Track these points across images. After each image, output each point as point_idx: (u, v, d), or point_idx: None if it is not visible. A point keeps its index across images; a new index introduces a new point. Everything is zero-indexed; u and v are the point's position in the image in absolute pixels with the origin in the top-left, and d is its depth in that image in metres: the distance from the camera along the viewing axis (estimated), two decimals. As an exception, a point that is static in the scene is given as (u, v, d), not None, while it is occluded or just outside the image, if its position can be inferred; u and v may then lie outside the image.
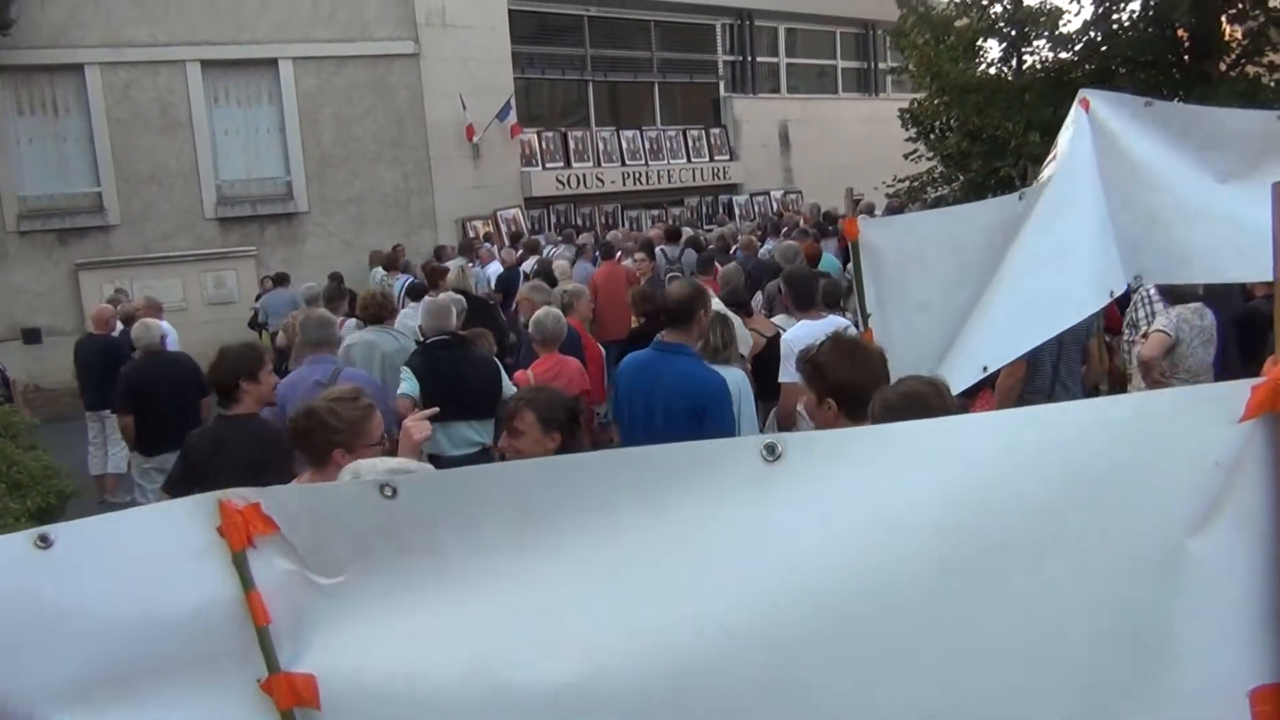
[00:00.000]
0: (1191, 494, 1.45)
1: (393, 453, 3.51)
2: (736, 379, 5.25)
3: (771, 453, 1.50)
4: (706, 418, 4.54)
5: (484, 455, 5.75)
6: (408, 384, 5.85)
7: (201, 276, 15.64)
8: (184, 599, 1.75)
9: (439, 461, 5.67)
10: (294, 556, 1.74)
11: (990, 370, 4.22)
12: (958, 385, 4.15)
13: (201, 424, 6.22)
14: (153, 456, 7.34)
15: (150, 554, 1.76)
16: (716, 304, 6.84)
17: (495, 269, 13.19)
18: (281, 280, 13.57)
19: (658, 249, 12.40)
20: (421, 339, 6.53)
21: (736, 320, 6.75)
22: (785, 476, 1.50)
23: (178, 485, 4.59)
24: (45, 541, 1.73)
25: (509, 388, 5.92)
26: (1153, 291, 6.26)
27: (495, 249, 15.31)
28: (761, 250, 11.98)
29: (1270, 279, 1.64)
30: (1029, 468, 1.44)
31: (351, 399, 3.58)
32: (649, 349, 4.84)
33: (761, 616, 1.50)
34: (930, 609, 1.46)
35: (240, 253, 15.99)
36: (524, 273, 11.78)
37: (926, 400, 2.74)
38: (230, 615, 1.75)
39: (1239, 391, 1.44)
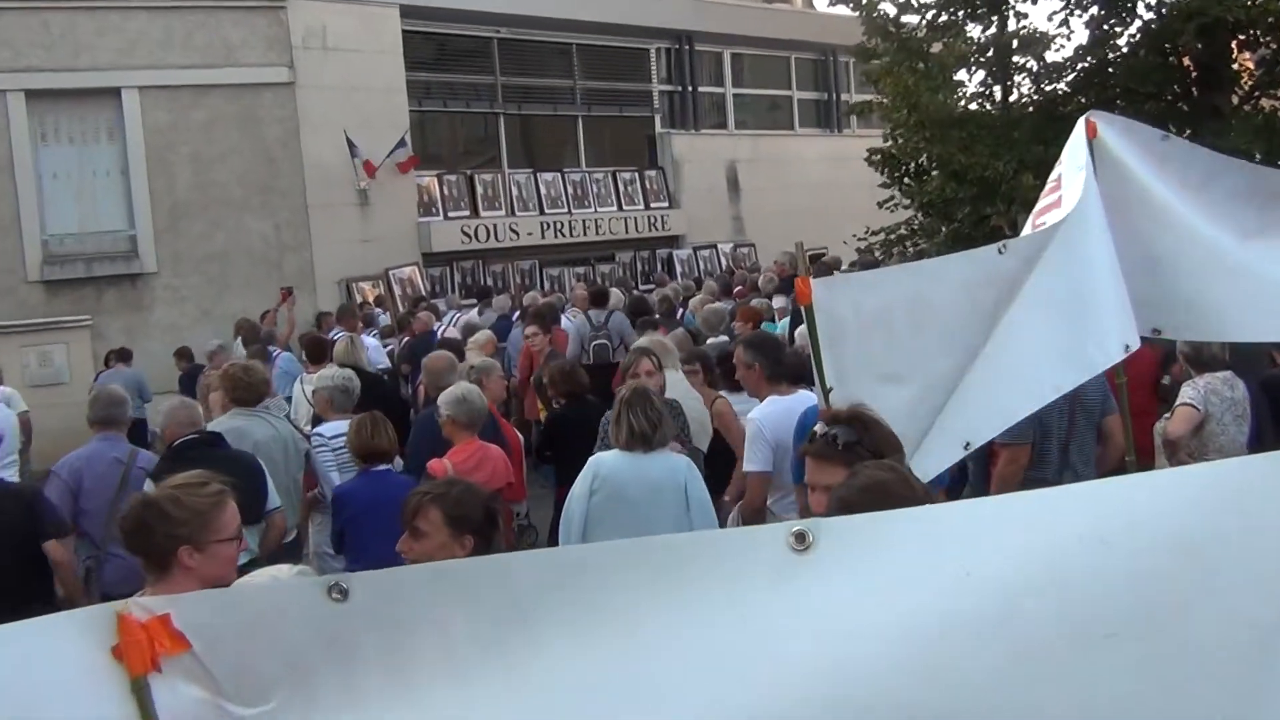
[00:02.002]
0: None
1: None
2: (681, 467, 5.37)
3: (801, 541, 1.55)
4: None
5: (252, 565, 5.74)
6: None
7: (22, 352, 15.25)
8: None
9: None
10: (208, 681, 1.73)
11: (973, 447, 4.32)
12: (936, 467, 4.21)
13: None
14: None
15: (27, 682, 1.73)
16: (675, 381, 6.98)
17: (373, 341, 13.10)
18: (124, 356, 13.36)
19: (569, 317, 12.45)
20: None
21: (694, 400, 6.86)
22: (818, 567, 1.56)
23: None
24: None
25: (273, 493, 6.19)
26: None
27: (388, 315, 15.31)
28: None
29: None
30: (1123, 542, 1.53)
31: (199, 484, 3.59)
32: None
33: None
34: (1007, 708, 1.52)
35: (71, 323, 15.68)
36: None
37: (890, 490, 2.77)
38: (123, 760, 1.71)
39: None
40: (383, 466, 6.25)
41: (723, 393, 7.25)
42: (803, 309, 4.24)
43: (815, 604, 1.57)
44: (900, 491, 2.75)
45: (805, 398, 6.00)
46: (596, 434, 6.58)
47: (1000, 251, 4.34)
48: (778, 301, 11.53)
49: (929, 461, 4.18)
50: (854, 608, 1.56)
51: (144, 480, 6.09)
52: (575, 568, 1.70)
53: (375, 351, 12.11)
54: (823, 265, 13.07)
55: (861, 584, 1.56)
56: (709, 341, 9.36)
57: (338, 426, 7.11)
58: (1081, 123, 4.92)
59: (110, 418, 6.76)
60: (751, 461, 5.80)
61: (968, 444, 4.20)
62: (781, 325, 10.28)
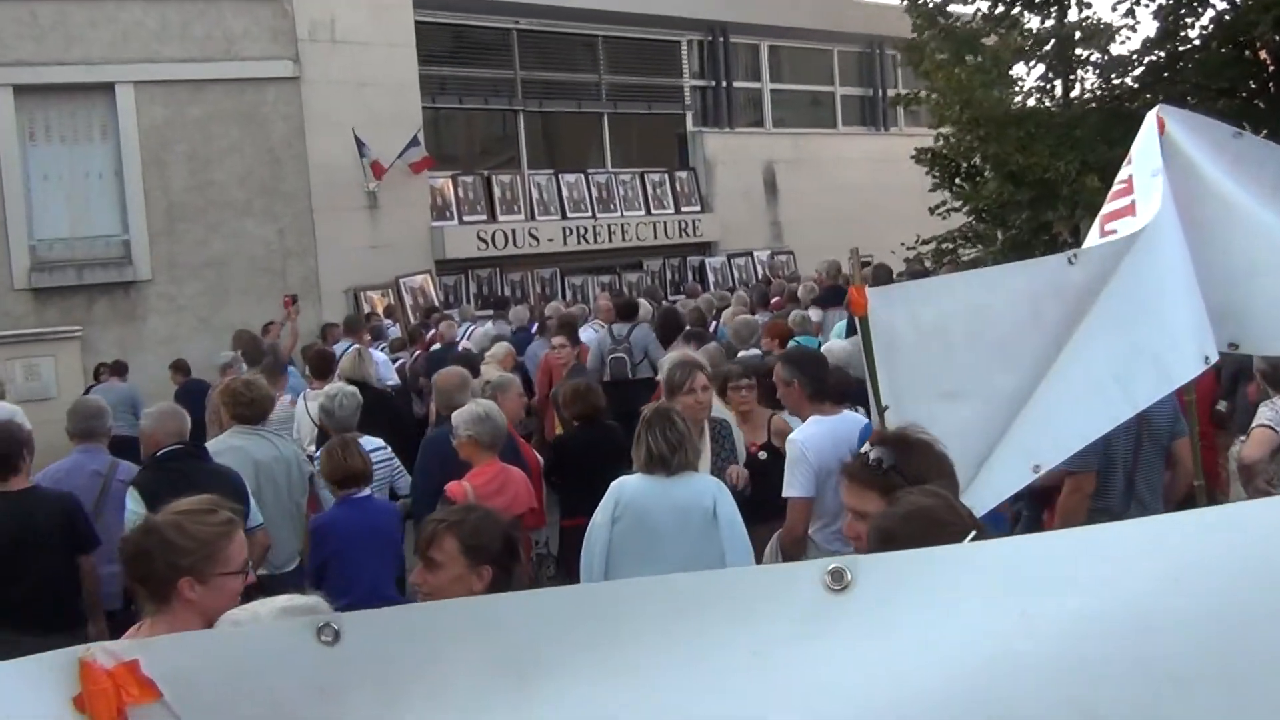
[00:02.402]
0: None
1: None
2: (709, 489, 5.42)
3: (838, 580, 1.52)
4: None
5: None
6: (133, 513, 5.99)
7: (8, 365, 15.37)
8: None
9: None
10: (180, 734, 1.69)
11: (1043, 470, 4.30)
12: (1002, 492, 4.22)
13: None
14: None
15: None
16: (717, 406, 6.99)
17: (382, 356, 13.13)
18: (118, 370, 13.42)
19: (594, 328, 12.44)
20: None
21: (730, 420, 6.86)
22: (856, 610, 1.52)
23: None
24: None
25: (255, 511, 6.16)
26: None
27: (398, 328, 15.33)
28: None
29: None
30: (1199, 581, 1.49)
31: (205, 511, 3.61)
32: None
33: None
34: None
35: (60, 333, 15.82)
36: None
37: (936, 517, 2.76)
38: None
39: None
40: (362, 492, 6.26)
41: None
42: (857, 321, 4.23)
43: (853, 652, 1.53)
44: (946, 519, 2.74)
45: (851, 419, 5.98)
46: (609, 459, 6.61)
47: (1070, 262, 4.34)
48: (815, 314, 11.47)
49: (994, 486, 4.19)
50: (897, 655, 1.52)
51: (125, 492, 6.23)
52: (587, 609, 1.66)
53: (384, 366, 12.12)
54: (881, 269, 12.97)
55: (905, 629, 1.52)
56: (738, 355, 9.33)
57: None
58: (1151, 117, 4.88)
59: (90, 430, 7.02)
60: (792, 486, 5.77)
61: (1037, 466, 4.20)
62: (823, 338, 10.23)
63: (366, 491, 6.31)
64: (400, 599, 6.44)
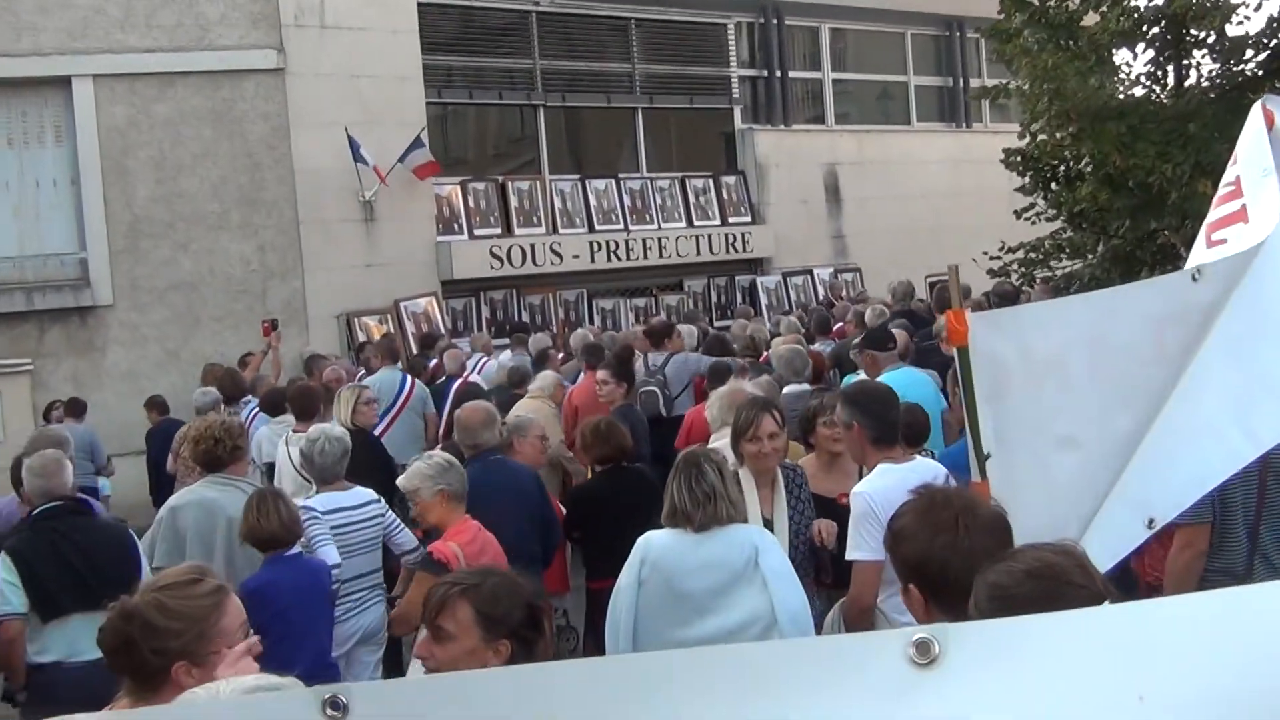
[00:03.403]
0: None
1: None
2: (747, 540, 5.51)
3: (924, 653, 1.53)
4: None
5: None
6: (6, 583, 6.33)
7: (-53, 403, 15.57)
8: None
9: (61, 672, 6.31)
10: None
11: (1158, 526, 4.32)
12: (1118, 552, 4.20)
13: None
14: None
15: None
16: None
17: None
18: (75, 410, 13.54)
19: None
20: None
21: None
22: (945, 687, 1.54)
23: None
24: None
25: (145, 568, 6.46)
26: None
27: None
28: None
29: None
30: None
31: (189, 583, 3.64)
32: None
33: None
34: None
35: (7, 367, 15.90)
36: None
37: (1065, 576, 2.73)
38: None
39: None
40: (291, 550, 6.37)
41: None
42: (955, 352, 4.24)
43: None
44: (1078, 581, 2.71)
45: (926, 467, 5.92)
46: (634, 510, 6.68)
47: (1194, 279, 4.33)
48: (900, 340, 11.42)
49: (1108, 546, 4.15)
50: None
51: None
52: (621, 685, 1.67)
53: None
54: (1005, 288, 12.82)
55: (1000, 713, 1.54)
56: (785, 390, 9.34)
57: (335, 499, 7.23)
58: (1257, 110, 4.88)
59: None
60: (858, 548, 5.65)
61: (1151, 521, 4.22)
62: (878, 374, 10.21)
63: (296, 549, 6.42)
64: (337, 666, 6.59)
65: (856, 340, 11.20)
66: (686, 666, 1.68)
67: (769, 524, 6.36)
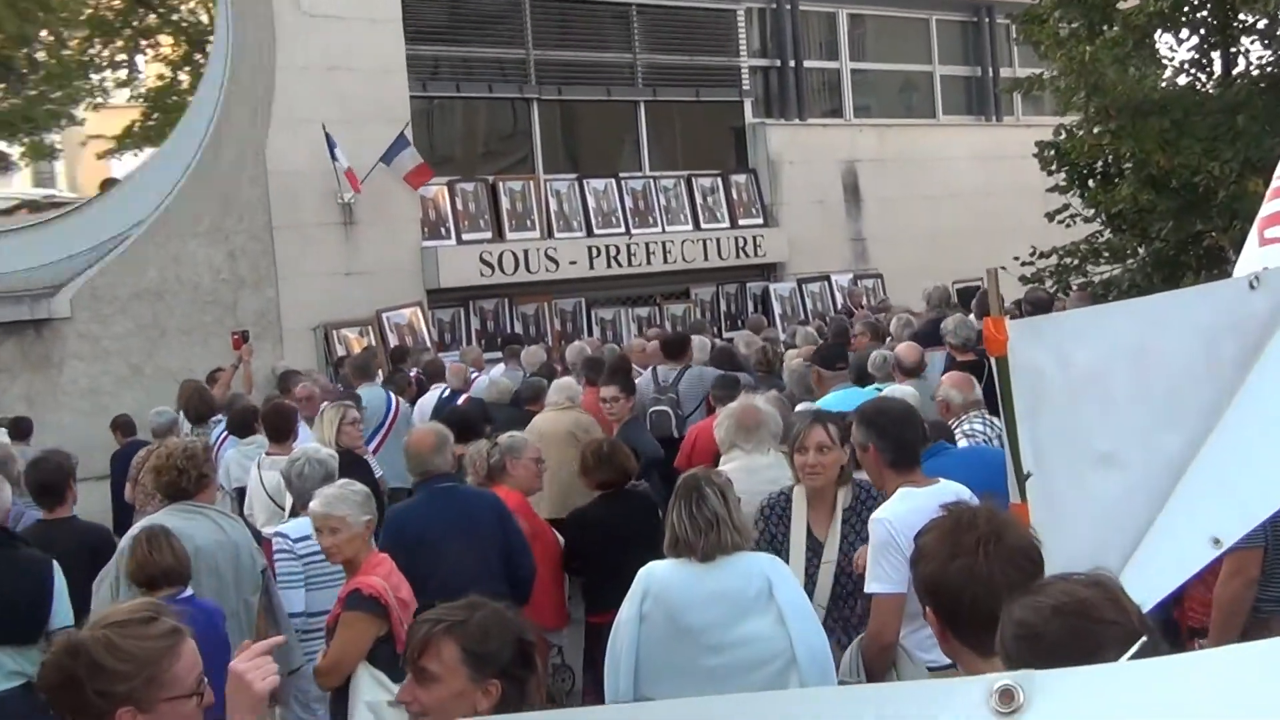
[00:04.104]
0: None
1: None
2: (757, 569, 5.53)
3: (1008, 702, 1.57)
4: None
5: (26, 691, 6.31)
6: None
7: (-112, 423, 15.55)
8: None
9: None
10: None
11: (1224, 546, 4.27)
12: (1183, 572, 4.23)
13: None
14: None
15: None
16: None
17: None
18: (20, 431, 13.48)
19: (641, 371, 12.44)
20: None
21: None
22: None
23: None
24: None
25: (62, 599, 6.58)
26: None
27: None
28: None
29: None
30: None
31: (142, 621, 3.60)
32: None
33: None
34: None
35: (-45, 385, 15.98)
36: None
37: (1095, 613, 2.69)
38: None
39: None
40: (184, 592, 6.30)
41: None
42: (993, 364, 4.23)
43: None
44: (1109, 616, 2.67)
45: (948, 490, 5.85)
46: (636, 539, 6.77)
47: (1252, 286, 4.33)
48: (909, 354, 11.30)
49: (1168, 569, 4.17)
50: None
51: None
52: None
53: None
54: (1037, 295, 12.86)
55: None
56: (798, 409, 9.27)
57: (309, 526, 7.06)
58: None
59: None
60: (877, 579, 5.66)
61: (1217, 540, 4.17)
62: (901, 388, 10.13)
63: (188, 591, 6.34)
64: None
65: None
66: (750, 713, 1.73)
67: (819, 546, 6.40)
